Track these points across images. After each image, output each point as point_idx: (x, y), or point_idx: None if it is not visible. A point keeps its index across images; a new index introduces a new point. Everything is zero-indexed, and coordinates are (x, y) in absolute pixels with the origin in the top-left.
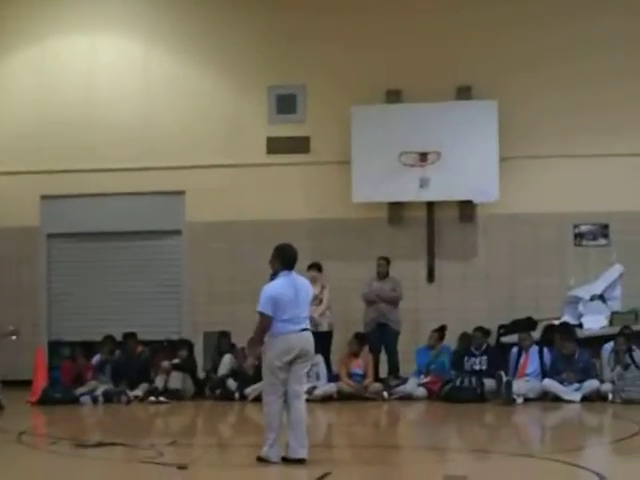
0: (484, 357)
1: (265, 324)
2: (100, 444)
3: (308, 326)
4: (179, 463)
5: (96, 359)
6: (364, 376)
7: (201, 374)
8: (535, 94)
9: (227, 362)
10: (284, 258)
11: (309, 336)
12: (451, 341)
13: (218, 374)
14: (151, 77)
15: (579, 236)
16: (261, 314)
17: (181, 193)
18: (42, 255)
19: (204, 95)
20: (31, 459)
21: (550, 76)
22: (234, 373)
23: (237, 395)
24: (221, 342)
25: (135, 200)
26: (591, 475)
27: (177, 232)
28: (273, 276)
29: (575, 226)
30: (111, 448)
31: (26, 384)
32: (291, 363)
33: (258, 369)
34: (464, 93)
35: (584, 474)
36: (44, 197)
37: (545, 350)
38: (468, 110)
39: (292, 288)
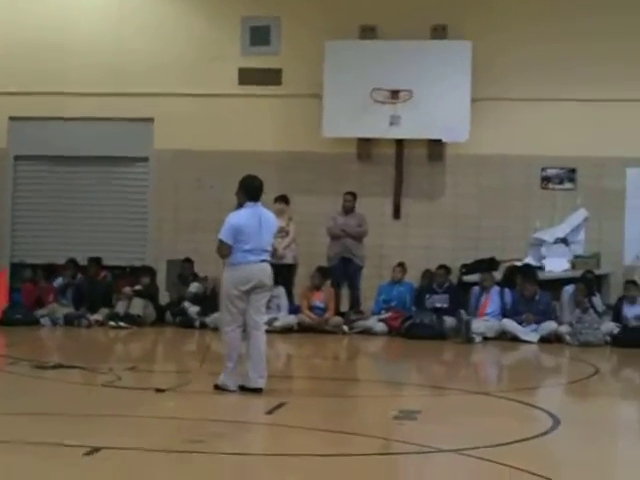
0: (445, 295)
1: (223, 252)
2: (59, 366)
3: (267, 258)
4: (156, 387)
5: (58, 282)
6: (325, 309)
7: (164, 301)
8: (510, 38)
9: (193, 289)
10: (249, 190)
11: (268, 268)
12: (414, 278)
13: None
14: (124, 3)
15: (546, 179)
16: (220, 241)
17: (150, 120)
18: (8, 176)
19: (178, 23)
20: None
21: (526, 23)
22: (198, 300)
23: (198, 323)
24: (184, 269)
25: (104, 125)
26: (544, 414)
27: (144, 159)
28: (239, 208)
29: (542, 169)
30: (70, 370)
31: None
32: (249, 293)
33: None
34: (439, 32)
35: (538, 413)
36: (12, 118)
37: (506, 291)
38: (442, 50)
39: (256, 219)
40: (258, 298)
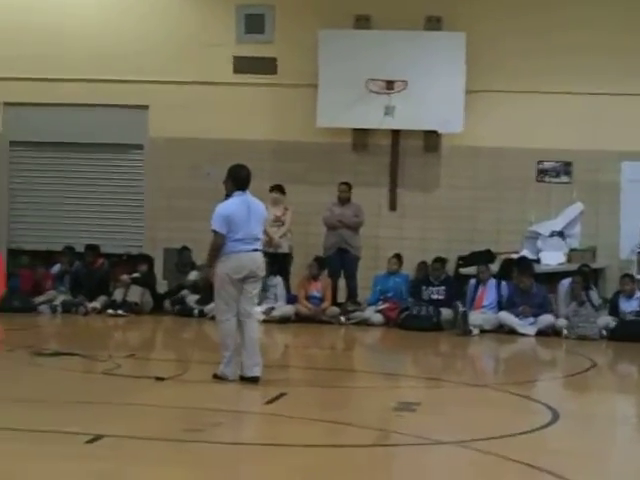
0: (442, 287)
1: (219, 242)
2: (58, 353)
3: (259, 247)
4: (156, 375)
5: (55, 269)
6: (322, 299)
7: (161, 289)
8: (505, 30)
9: (193, 277)
10: (237, 179)
11: (260, 257)
12: (410, 270)
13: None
14: None
15: (542, 172)
16: (215, 232)
17: (145, 108)
18: (4, 162)
19: (172, 10)
20: None
21: (521, 15)
22: (197, 289)
23: (196, 312)
24: (182, 257)
25: (99, 112)
26: (542, 408)
27: (139, 146)
28: (227, 197)
29: (539, 162)
30: (69, 358)
31: None
32: (241, 282)
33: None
34: (434, 23)
35: (536, 406)
36: (7, 104)
37: (503, 283)
38: (437, 41)
39: (245, 208)
40: (250, 288)
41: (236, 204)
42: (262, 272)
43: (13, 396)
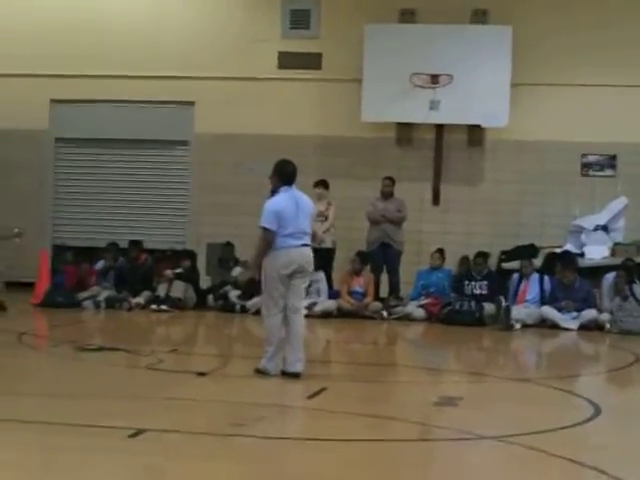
0: (484, 282)
1: (270, 239)
2: (101, 348)
3: (308, 242)
4: (198, 370)
5: (99, 265)
6: (364, 295)
7: (204, 284)
8: (551, 24)
9: (236, 273)
10: (283, 174)
11: (309, 252)
12: (452, 264)
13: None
14: None
15: (586, 166)
16: (264, 229)
17: (190, 104)
18: (49, 159)
19: (218, 6)
20: (32, 360)
21: (567, 9)
22: (239, 284)
23: (238, 307)
24: (225, 252)
25: (144, 108)
26: (585, 402)
27: (185, 142)
28: (273, 192)
29: (583, 155)
30: (112, 353)
31: (29, 286)
32: (290, 277)
33: (259, 283)
34: (479, 17)
35: (578, 401)
36: (54, 101)
37: (546, 278)
38: (482, 34)
39: (293, 203)
40: (298, 283)
41: (285, 199)
42: (310, 267)
43: (58, 391)
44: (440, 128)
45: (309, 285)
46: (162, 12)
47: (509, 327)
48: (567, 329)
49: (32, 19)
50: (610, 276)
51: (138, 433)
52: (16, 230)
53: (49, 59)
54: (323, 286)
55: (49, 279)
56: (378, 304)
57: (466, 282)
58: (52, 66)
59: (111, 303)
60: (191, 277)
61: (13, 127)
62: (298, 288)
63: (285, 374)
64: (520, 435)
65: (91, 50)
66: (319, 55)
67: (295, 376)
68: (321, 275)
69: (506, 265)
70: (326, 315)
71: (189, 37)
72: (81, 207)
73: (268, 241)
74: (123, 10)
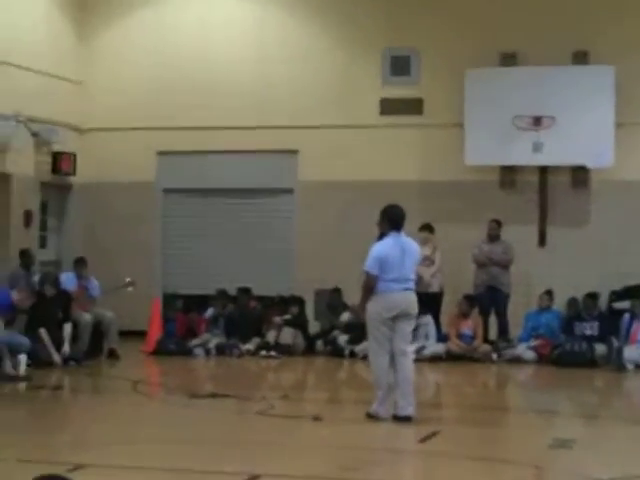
0: (595, 322)
1: (371, 283)
2: (213, 395)
3: (412, 286)
4: (314, 414)
5: (209, 312)
6: (473, 337)
7: (313, 330)
8: None
9: (345, 318)
10: (391, 219)
11: (412, 296)
12: (560, 306)
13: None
14: (266, 36)
15: None
16: (367, 273)
17: (294, 152)
18: (157, 209)
19: (319, 55)
20: (147, 408)
21: None
22: (348, 329)
23: (347, 352)
24: (333, 298)
25: (249, 158)
26: None
27: (289, 191)
28: (381, 237)
29: None
30: (224, 399)
31: (140, 334)
32: (394, 321)
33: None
34: (580, 58)
35: None
36: (160, 153)
37: None
38: (584, 75)
39: (399, 249)
40: (403, 326)
41: (390, 245)
42: (414, 310)
43: (172, 438)
44: (543, 170)
45: (417, 329)
46: (264, 62)
47: (621, 368)
48: None
49: (136, 75)
50: None
51: (253, 478)
52: (128, 280)
53: (154, 111)
54: (431, 330)
55: (161, 327)
56: (487, 347)
57: (576, 323)
58: (158, 118)
59: (221, 350)
60: (300, 323)
61: (122, 179)
62: (404, 332)
63: (396, 418)
64: (636, 477)
65: (196, 102)
66: (420, 101)
67: (406, 420)
68: (429, 319)
69: (617, 305)
70: (435, 358)
71: (293, 87)
72: (189, 255)
73: (370, 285)
74: (225, 61)
